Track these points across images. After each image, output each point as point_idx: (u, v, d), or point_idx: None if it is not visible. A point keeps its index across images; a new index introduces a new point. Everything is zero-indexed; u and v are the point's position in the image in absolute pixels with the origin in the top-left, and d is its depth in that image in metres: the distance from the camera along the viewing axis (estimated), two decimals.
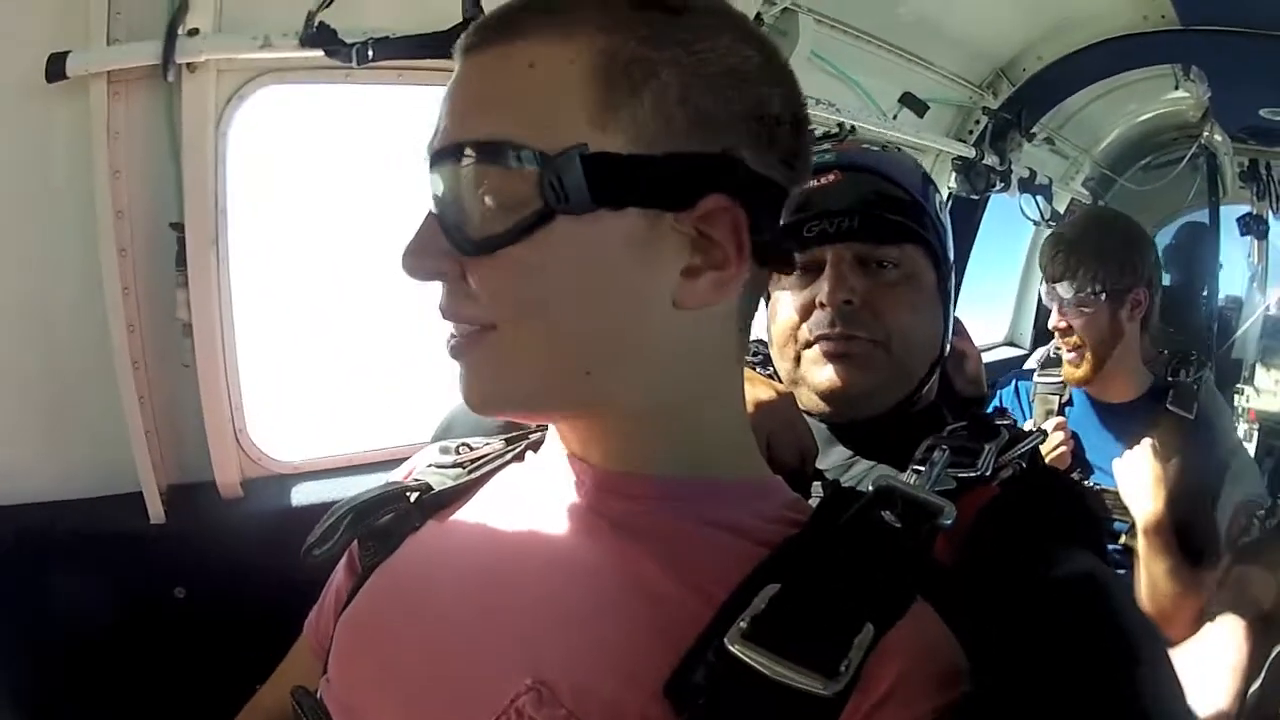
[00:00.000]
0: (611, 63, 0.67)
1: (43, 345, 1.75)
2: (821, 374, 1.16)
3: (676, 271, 0.71)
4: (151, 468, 1.79)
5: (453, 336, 0.74)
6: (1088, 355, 2.33)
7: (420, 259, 0.71)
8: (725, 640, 0.63)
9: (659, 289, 0.71)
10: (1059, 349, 2.56)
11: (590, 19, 0.69)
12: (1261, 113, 3.98)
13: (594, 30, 0.68)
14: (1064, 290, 2.30)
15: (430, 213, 0.72)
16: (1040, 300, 4.87)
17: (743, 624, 0.64)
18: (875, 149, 1.27)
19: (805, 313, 1.18)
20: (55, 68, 1.55)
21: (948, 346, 1.25)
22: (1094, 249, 2.31)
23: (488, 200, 0.68)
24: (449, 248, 0.70)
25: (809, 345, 1.18)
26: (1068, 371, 2.41)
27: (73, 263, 1.71)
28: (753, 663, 0.62)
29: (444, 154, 0.70)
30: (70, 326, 1.75)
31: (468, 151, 0.68)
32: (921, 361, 1.19)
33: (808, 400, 1.17)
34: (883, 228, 1.16)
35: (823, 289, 1.15)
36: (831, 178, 1.19)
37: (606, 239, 0.68)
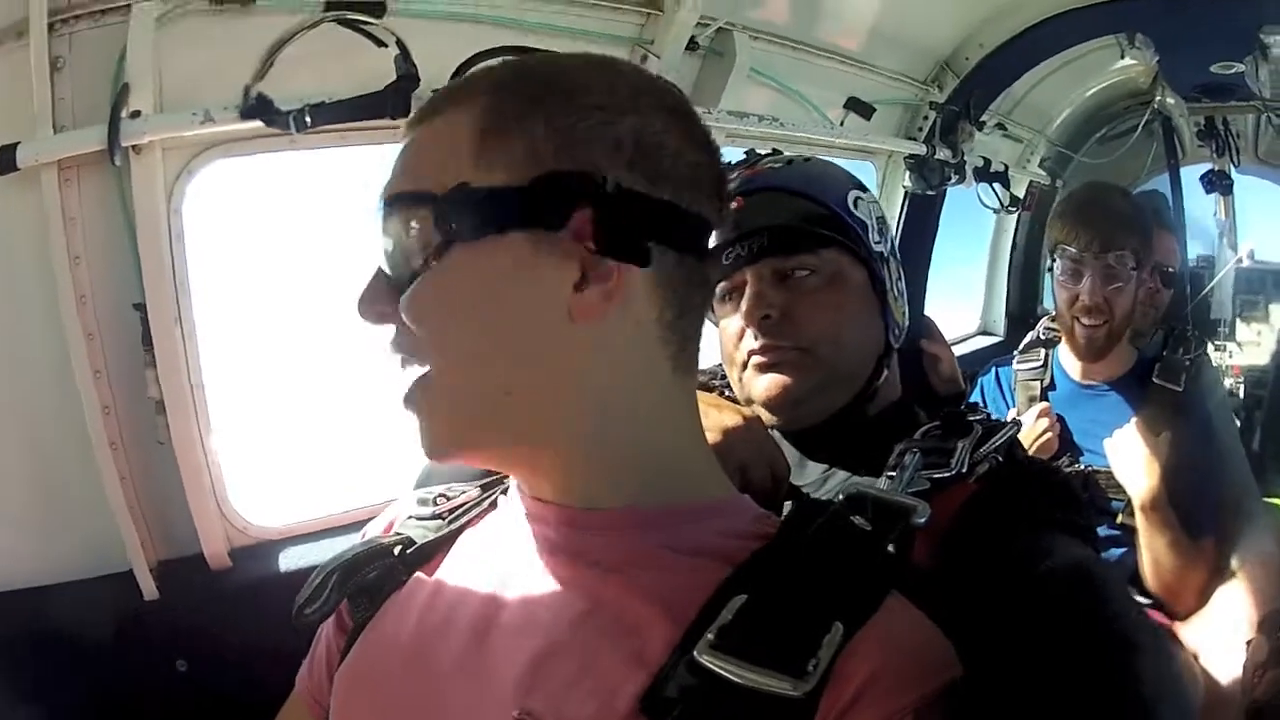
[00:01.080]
0: (493, 115, 0.77)
1: (20, 432, 1.77)
2: (758, 385, 1.19)
3: (568, 288, 0.75)
4: (140, 545, 1.80)
5: (406, 385, 0.80)
6: (1110, 329, 2.33)
7: (368, 304, 0.80)
8: (695, 652, 0.65)
9: (552, 305, 0.75)
10: (1052, 330, 2.58)
11: (483, 89, 0.80)
12: (1212, 69, 3.99)
13: (482, 96, 0.79)
14: (1100, 261, 2.28)
15: (377, 264, 0.81)
16: (1010, 282, 4.93)
17: (710, 635, 0.66)
18: (780, 165, 1.29)
19: (740, 335, 1.21)
20: (5, 158, 1.57)
21: (894, 339, 1.26)
22: (1125, 221, 2.33)
23: (403, 243, 0.77)
24: (388, 290, 0.78)
25: (744, 365, 1.21)
26: (1078, 347, 2.40)
27: (41, 349, 1.73)
28: (722, 671, 0.64)
29: (377, 210, 0.80)
30: (46, 412, 1.77)
31: (388, 204, 0.79)
32: (858, 359, 1.20)
33: (760, 413, 1.19)
34: (791, 239, 1.19)
35: (744, 310, 1.20)
36: (735, 205, 1.21)
37: (496, 262, 0.75)
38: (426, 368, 0.78)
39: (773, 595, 0.69)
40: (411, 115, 0.85)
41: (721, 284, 1.22)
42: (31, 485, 1.79)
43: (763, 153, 1.36)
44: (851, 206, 1.24)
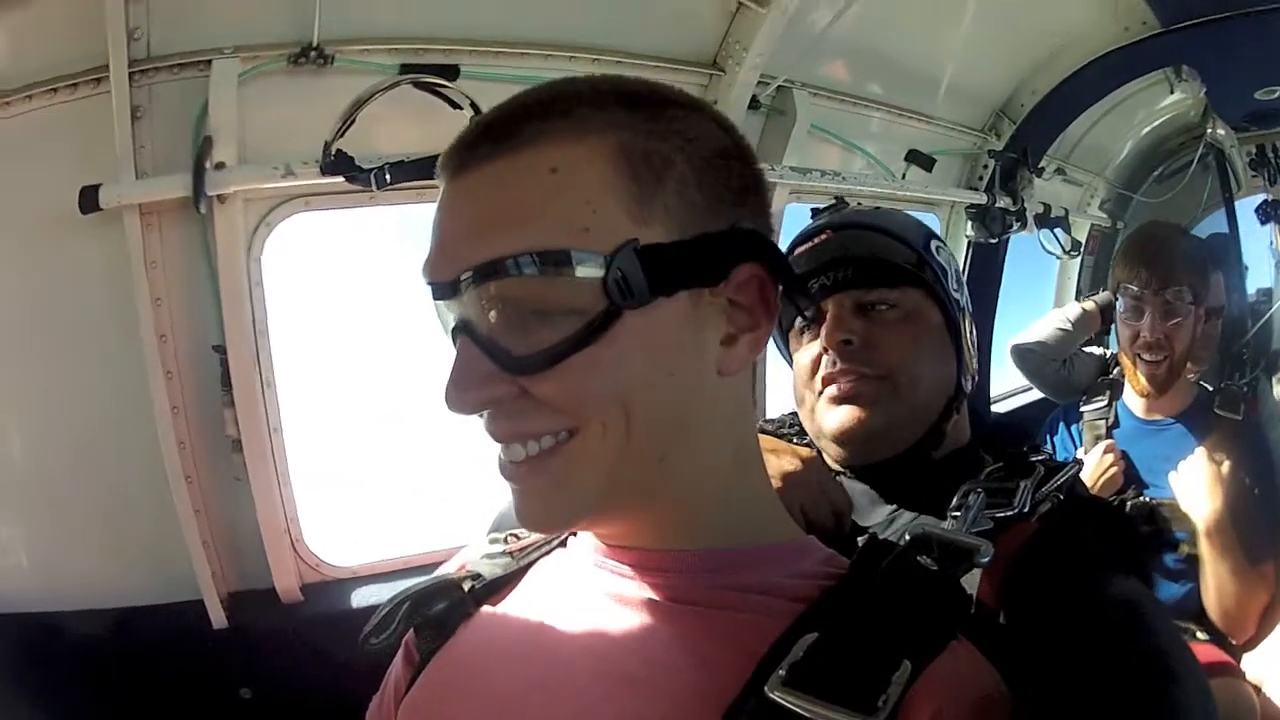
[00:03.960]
0: (630, 158, 0.70)
1: (102, 463, 1.85)
2: (832, 418, 1.18)
3: (717, 342, 0.74)
4: (210, 576, 1.86)
5: (511, 461, 0.73)
6: (1171, 365, 2.37)
7: (468, 391, 0.70)
8: (766, 688, 0.64)
9: (707, 361, 0.73)
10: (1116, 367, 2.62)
11: (594, 119, 0.71)
12: (1257, 95, 3.92)
13: (603, 129, 0.70)
14: (1159, 298, 2.34)
15: (465, 340, 0.71)
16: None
17: (782, 672, 0.65)
18: (869, 210, 1.31)
19: (815, 364, 1.22)
20: (88, 200, 1.65)
21: (967, 384, 1.26)
22: (1183, 258, 2.38)
23: (545, 311, 0.68)
24: (497, 370, 0.70)
25: (819, 393, 1.21)
26: (1140, 383, 2.43)
27: (122, 385, 1.81)
28: (793, 707, 0.62)
29: (478, 275, 0.69)
30: (126, 445, 1.85)
31: (512, 266, 0.67)
32: (932, 397, 1.20)
33: (828, 450, 1.21)
34: (876, 271, 1.20)
35: (824, 336, 1.20)
36: (824, 236, 1.24)
37: (666, 324, 0.70)
38: (558, 438, 0.71)
39: (843, 633, 0.68)
40: (470, 137, 0.73)
41: (801, 317, 1.24)
42: (111, 514, 1.87)
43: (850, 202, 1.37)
44: (934, 251, 1.25)
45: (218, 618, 1.88)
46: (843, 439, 1.17)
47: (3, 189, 1.72)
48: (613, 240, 0.68)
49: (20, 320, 1.78)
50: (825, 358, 1.20)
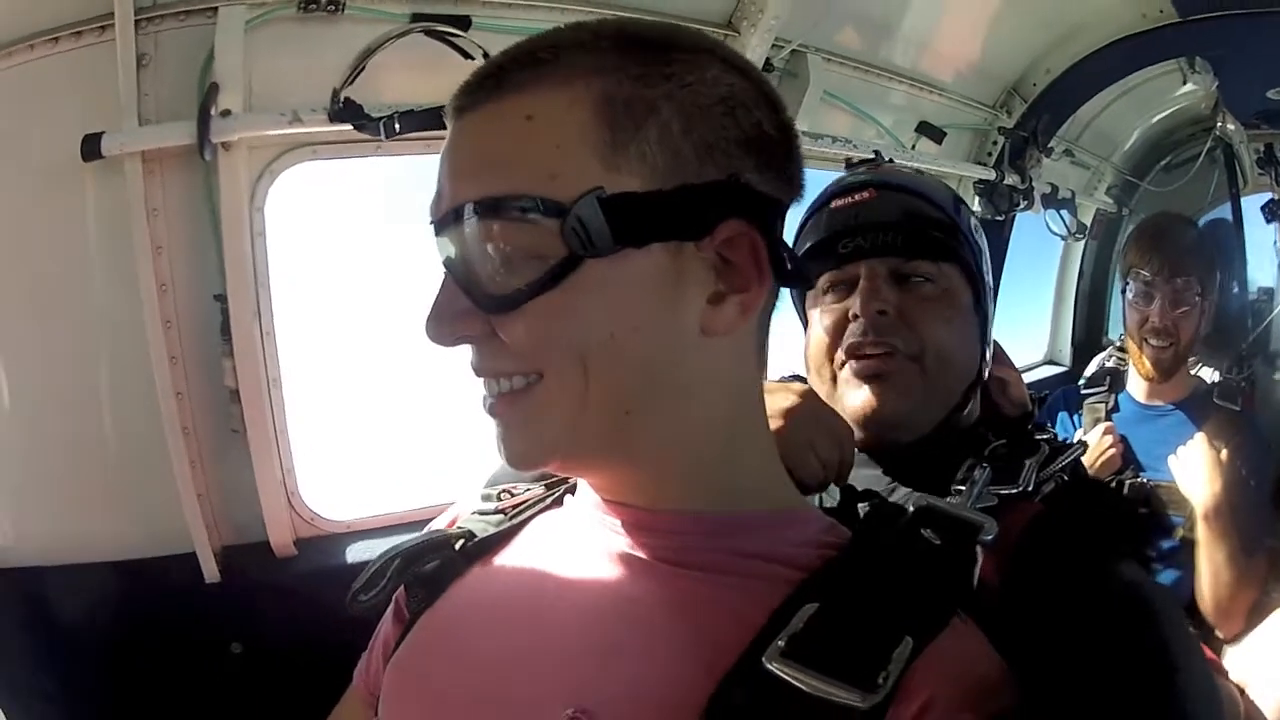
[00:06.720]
0: (611, 104, 0.68)
1: (98, 414, 1.83)
2: (857, 397, 1.13)
3: (702, 300, 0.71)
4: (205, 529, 1.85)
5: (490, 397, 0.74)
6: (1176, 351, 2.42)
7: (444, 324, 0.72)
8: (764, 659, 0.63)
9: (687, 319, 0.71)
10: (1119, 357, 2.68)
11: (580, 64, 0.70)
12: (1269, 94, 3.92)
13: (587, 75, 0.69)
14: (1170, 285, 2.38)
15: (447, 276, 0.73)
16: (1076, 310, 4.88)
17: (780, 643, 0.64)
18: (908, 171, 1.26)
19: (838, 330, 1.16)
20: (90, 148, 1.63)
21: (986, 369, 1.23)
22: (1192, 249, 2.44)
23: (509, 255, 0.68)
24: (472, 307, 0.71)
25: (843, 365, 1.16)
26: (1145, 367, 2.47)
27: (120, 335, 1.79)
28: (791, 680, 0.62)
29: (455, 215, 0.70)
30: (123, 395, 1.83)
31: (482, 209, 0.68)
32: (958, 380, 1.17)
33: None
34: (920, 243, 1.15)
35: (856, 302, 1.14)
36: (866, 194, 1.18)
37: (634, 277, 0.69)
38: (529, 380, 0.72)
39: (844, 605, 0.67)
40: (471, 81, 0.73)
41: (828, 274, 1.18)
42: (106, 465, 1.84)
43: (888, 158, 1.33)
44: (971, 228, 1.21)
45: (210, 571, 1.86)
46: (864, 421, 1.13)
47: (6, 138, 1.68)
48: (579, 187, 0.67)
49: (19, 269, 1.76)
50: (853, 325, 1.15)
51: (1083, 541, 0.96)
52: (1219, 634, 2.20)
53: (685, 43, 0.74)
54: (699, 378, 0.74)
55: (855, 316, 1.14)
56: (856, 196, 1.19)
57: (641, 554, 0.77)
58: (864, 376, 1.14)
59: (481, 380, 0.75)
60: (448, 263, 0.72)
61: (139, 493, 1.87)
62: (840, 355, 1.16)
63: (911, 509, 0.78)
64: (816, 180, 1.28)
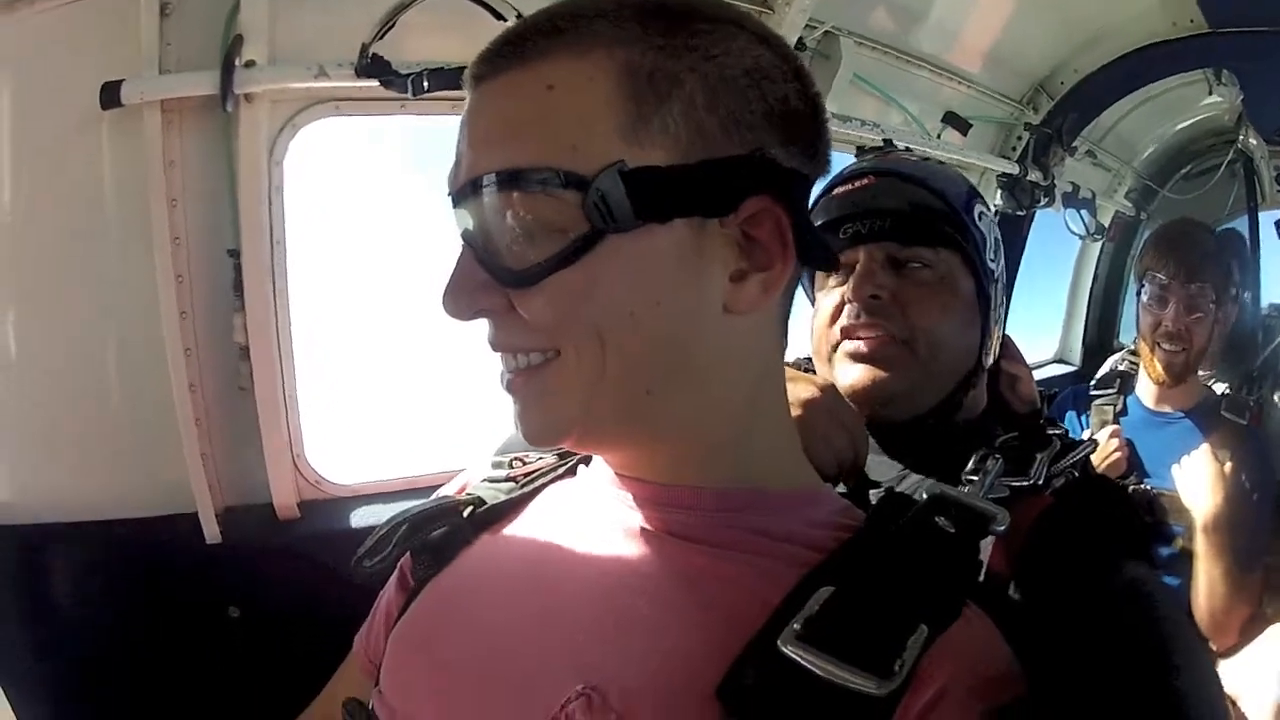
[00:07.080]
0: (634, 77, 0.68)
1: (105, 368, 1.80)
2: (848, 374, 1.17)
3: (724, 277, 0.71)
4: (208, 489, 1.82)
5: (508, 372, 0.74)
6: (1188, 357, 2.43)
7: (461, 298, 0.71)
8: (779, 642, 0.63)
9: (710, 297, 0.71)
10: (1130, 360, 2.69)
11: (603, 34, 0.69)
12: None
13: (610, 45, 0.68)
14: (1185, 290, 2.40)
15: (465, 248, 0.72)
16: (1089, 311, 4.86)
17: (796, 626, 0.64)
18: (916, 159, 1.28)
19: (836, 313, 1.20)
20: (109, 96, 1.59)
21: (987, 358, 1.24)
22: (1209, 255, 2.45)
23: (529, 228, 0.68)
24: (490, 281, 0.70)
25: (837, 345, 1.19)
26: (1157, 370, 2.48)
27: (130, 288, 1.75)
28: (806, 663, 0.61)
29: (474, 186, 0.69)
30: (131, 349, 1.79)
31: (502, 181, 0.67)
32: (952, 366, 1.19)
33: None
34: (915, 229, 1.18)
35: (850, 286, 1.17)
36: (866, 181, 1.22)
37: (656, 252, 0.68)
38: (547, 356, 0.72)
39: (859, 590, 0.67)
40: (490, 48, 0.72)
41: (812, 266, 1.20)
42: (112, 421, 1.81)
43: (899, 145, 1.34)
44: (976, 217, 1.22)
45: (211, 532, 1.83)
46: (857, 398, 1.14)
47: (27, 87, 1.64)
48: (600, 160, 0.66)
49: (34, 219, 1.72)
50: (848, 308, 1.17)
51: (1092, 537, 0.97)
52: (1212, 647, 2.21)
53: (710, 13, 0.73)
54: (720, 356, 0.73)
55: (849, 300, 1.17)
56: (857, 184, 1.22)
57: (655, 528, 0.76)
58: (855, 357, 1.17)
59: (499, 355, 0.75)
60: (466, 235, 0.72)
61: (142, 450, 1.84)
62: (835, 334, 1.19)
63: (925, 496, 0.78)
64: (842, 163, 1.29)
